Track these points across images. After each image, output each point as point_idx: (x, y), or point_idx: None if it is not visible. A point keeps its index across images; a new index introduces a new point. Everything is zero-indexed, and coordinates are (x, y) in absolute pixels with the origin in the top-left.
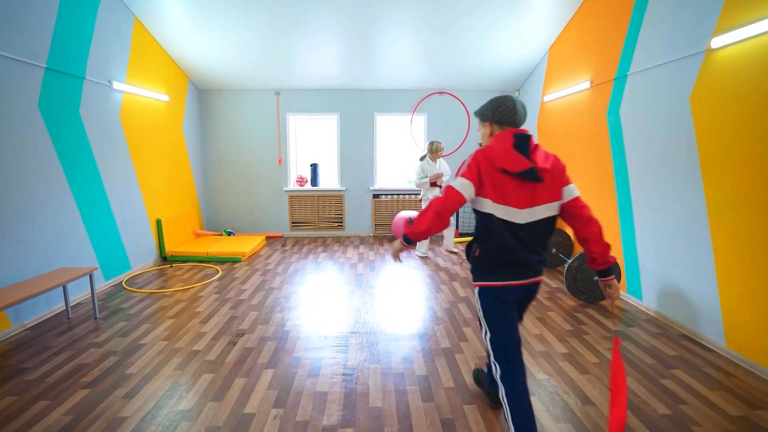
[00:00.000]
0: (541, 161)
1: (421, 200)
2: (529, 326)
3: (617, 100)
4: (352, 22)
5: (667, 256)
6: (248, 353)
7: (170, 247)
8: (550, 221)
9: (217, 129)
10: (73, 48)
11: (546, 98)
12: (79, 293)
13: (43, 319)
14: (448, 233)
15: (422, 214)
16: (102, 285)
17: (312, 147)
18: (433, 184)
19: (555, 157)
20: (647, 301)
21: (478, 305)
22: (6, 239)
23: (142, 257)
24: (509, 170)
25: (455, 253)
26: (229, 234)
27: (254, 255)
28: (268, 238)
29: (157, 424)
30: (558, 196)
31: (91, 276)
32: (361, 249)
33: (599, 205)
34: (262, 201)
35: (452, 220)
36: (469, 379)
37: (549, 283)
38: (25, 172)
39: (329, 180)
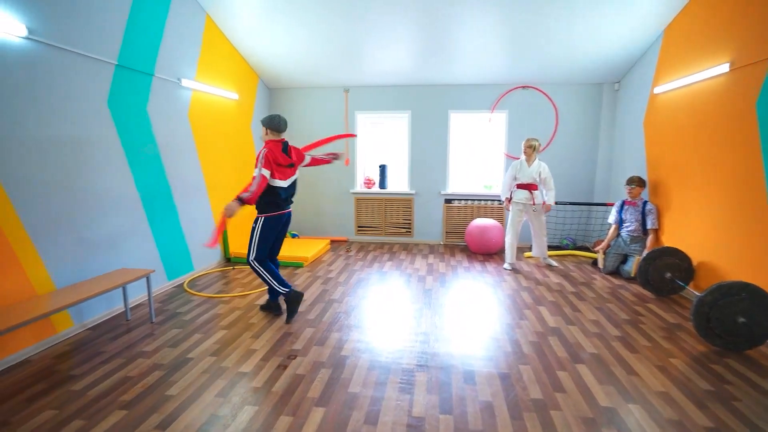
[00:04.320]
0: (294, 157)
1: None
2: (648, 378)
3: None
4: (425, 11)
5: None
6: (298, 382)
7: (234, 249)
8: (296, 183)
9: (287, 128)
10: (143, 45)
11: (658, 89)
12: (142, 293)
13: (103, 320)
14: (538, 241)
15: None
16: (164, 285)
17: (381, 147)
18: (524, 186)
19: (298, 150)
20: None
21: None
22: (70, 237)
23: (206, 258)
24: (282, 163)
25: (553, 266)
26: (294, 236)
27: (317, 260)
28: (332, 242)
29: None
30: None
31: (148, 278)
32: (431, 259)
33: (744, 222)
34: (328, 203)
35: (542, 221)
36: None
37: (663, 315)
38: (93, 170)
39: (398, 182)
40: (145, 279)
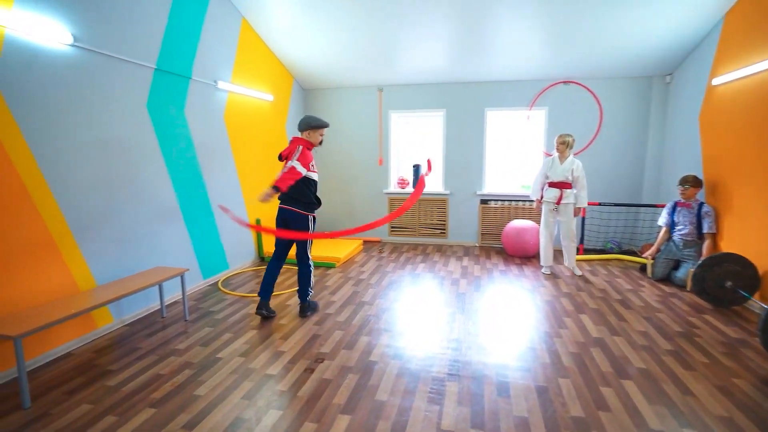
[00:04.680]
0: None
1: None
2: (707, 400)
3: None
4: (461, 5)
5: None
6: (324, 387)
7: (268, 248)
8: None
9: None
10: (181, 49)
11: (716, 81)
12: (177, 291)
13: (141, 316)
14: (569, 249)
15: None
16: (200, 284)
17: (415, 147)
18: (555, 184)
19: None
20: None
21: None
22: (111, 236)
23: (240, 257)
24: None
25: (579, 276)
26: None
27: (349, 261)
28: (365, 242)
29: None
30: None
31: (182, 277)
32: (465, 261)
33: None
34: (361, 203)
35: (570, 225)
36: None
37: (723, 329)
38: (132, 171)
39: (432, 183)
40: (180, 277)
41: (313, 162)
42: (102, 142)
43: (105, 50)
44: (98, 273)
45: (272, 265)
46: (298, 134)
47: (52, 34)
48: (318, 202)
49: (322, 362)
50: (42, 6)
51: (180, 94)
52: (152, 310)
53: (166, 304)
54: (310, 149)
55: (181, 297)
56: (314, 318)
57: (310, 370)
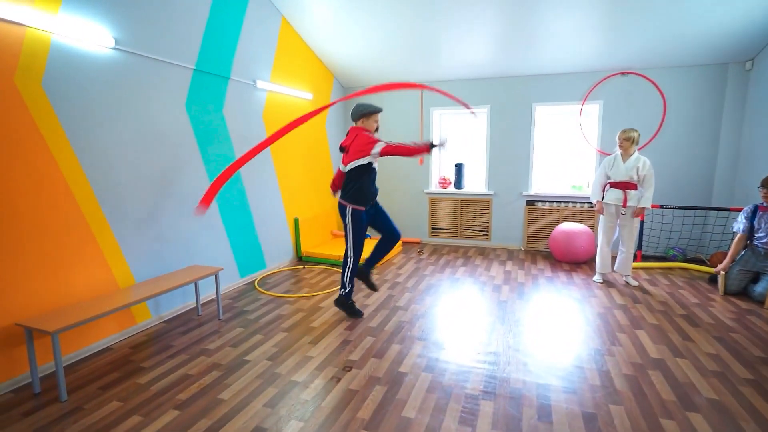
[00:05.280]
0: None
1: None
2: None
3: None
4: None
5: None
6: (350, 398)
7: (306, 248)
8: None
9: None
10: (220, 49)
11: None
12: (214, 289)
13: (178, 313)
14: (626, 256)
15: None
16: (237, 282)
17: (457, 145)
18: (618, 185)
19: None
20: None
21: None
22: (150, 234)
23: (278, 256)
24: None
25: (635, 286)
26: (366, 237)
27: (387, 262)
28: (404, 243)
29: None
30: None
31: (216, 276)
32: (508, 266)
33: None
34: (401, 203)
35: (633, 230)
36: None
37: None
38: (172, 170)
39: (475, 182)
40: (214, 276)
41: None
42: (142, 142)
43: (145, 52)
44: (137, 271)
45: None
46: (351, 125)
47: (94, 38)
48: (373, 194)
49: (349, 371)
50: (85, 10)
51: (218, 94)
52: (189, 308)
53: (203, 302)
54: None
55: (217, 296)
56: (346, 322)
57: (336, 379)
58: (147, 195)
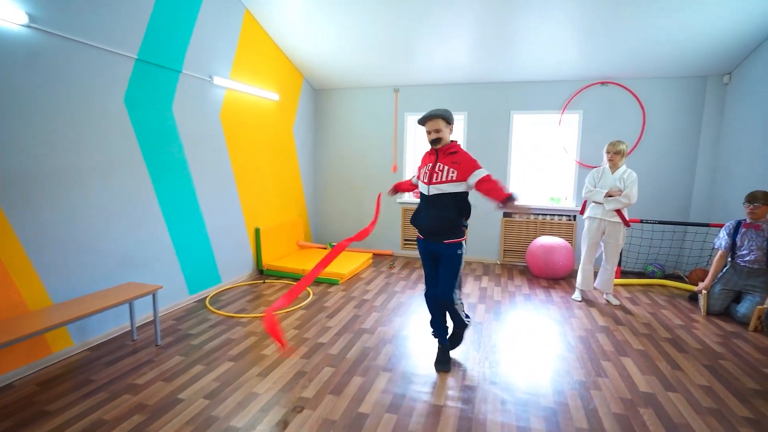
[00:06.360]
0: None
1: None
2: None
3: None
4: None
5: None
6: None
7: (268, 260)
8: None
9: (332, 131)
10: (170, 39)
11: None
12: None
13: (109, 338)
14: (607, 271)
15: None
16: (185, 300)
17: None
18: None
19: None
20: None
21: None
22: (71, 248)
23: (235, 269)
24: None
25: (616, 305)
26: (330, 246)
27: (355, 277)
28: (375, 255)
29: None
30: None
31: (154, 296)
32: (484, 282)
33: None
34: (372, 212)
35: (618, 242)
36: None
37: None
38: (104, 173)
39: None
40: (170, 291)
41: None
42: (65, 136)
43: (71, 34)
44: (54, 290)
45: (428, 295)
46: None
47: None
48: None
49: (300, 412)
50: None
51: (167, 89)
52: (124, 331)
53: (141, 324)
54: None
55: (163, 315)
56: (303, 349)
57: (283, 424)
58: (70, 200)
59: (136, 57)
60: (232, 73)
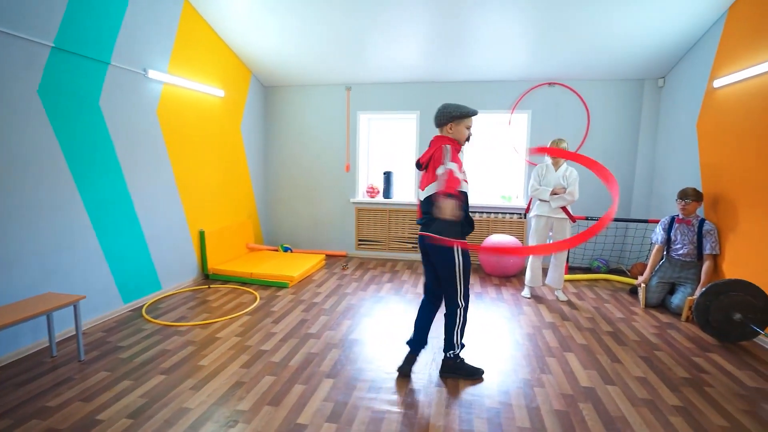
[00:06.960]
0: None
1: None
2: None
3: None
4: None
5: None
6: None
7: (213, 264)
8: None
9: (283, 130)
10: (96, 27)
11: (718, 83)
12: (86, 319)
13: (23, 355)
14: (557, 268)
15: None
16: (119, 309)
17: (386, 152)
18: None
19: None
20: None
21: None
22: None
23: (177, 275)
24: None
25: (564, 301)
26: (286, 250)
27: (306, 279)
28: (328, 257)
29: None
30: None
31: (75, 307)
32: None
33: None
34: (326, 213)
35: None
36: None
37: (736, 374)
38: (17, 171)
39: (405, 192)
40: (100, 300)
41: (464, 168)
42: None
43: None
44: None
45: (423, 304)
46: (435, 132)
47: None
48: (469, 225)
49: (234, 426)
50: None
51: (93, 82)
52: (41, 347)
53: (64, 338)
54: (458, 150)
55: (89, 327)
56: (244, 357)
57: None
58: None
59: (52, 45)
60: (170, 66)
